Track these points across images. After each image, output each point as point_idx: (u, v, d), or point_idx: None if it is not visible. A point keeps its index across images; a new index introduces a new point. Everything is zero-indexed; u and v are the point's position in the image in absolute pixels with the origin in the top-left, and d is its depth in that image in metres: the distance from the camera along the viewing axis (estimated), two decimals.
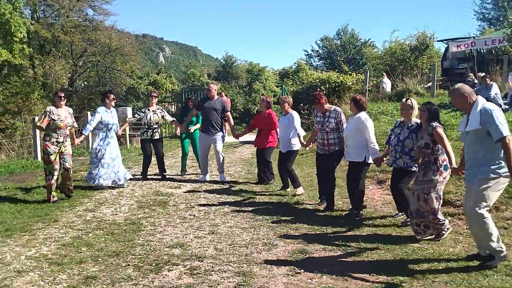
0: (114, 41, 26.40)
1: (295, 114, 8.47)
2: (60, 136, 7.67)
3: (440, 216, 5.60)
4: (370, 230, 6.09)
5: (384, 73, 19.96)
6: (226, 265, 4.89)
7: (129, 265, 4.85)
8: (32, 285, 4.32)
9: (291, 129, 8.31)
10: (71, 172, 7.95)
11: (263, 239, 5.77)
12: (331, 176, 7.33)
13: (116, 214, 6.88)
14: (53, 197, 7.63)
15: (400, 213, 6.60)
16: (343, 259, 5.08)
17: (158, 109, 9.83)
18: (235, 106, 27.81)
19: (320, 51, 45.43)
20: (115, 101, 8.99)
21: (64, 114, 7.72)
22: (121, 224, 6.35)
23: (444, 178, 5.59)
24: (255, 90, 31.54)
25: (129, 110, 15.93)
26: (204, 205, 7.50)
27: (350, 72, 21.26)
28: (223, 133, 9.70)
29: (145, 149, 9.71)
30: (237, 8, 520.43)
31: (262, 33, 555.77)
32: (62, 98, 7.75)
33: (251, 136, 9.96)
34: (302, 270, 4.76)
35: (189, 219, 6.66)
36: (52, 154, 7.57)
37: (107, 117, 8.60)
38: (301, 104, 16.84)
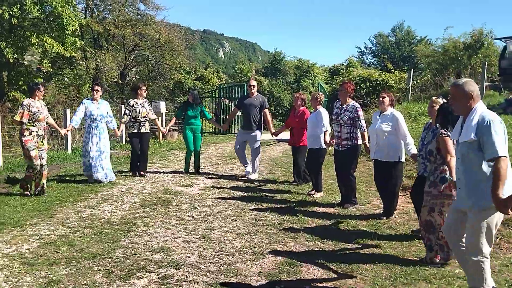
0: (163, 36, 26.56)
1: (323, 111, 8.11)
2: (40, 129, 7.49)
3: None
4: (375, 246, 5.51)
5: None
6: (202, 275, 4.52)
7: (100, 269, 4.57)
8: None
9: (319, 126, 7.97)
10: (46, 169, 7.67)
11: (254, 247, 5.35)
12: (346, 173, 7.18)
13: (114, 212, 6.66)
14: (28, 189, 7.55)
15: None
16: (330, 279, 4.57)
17: (145, 102, 9.57)
18: (281, 103, 27.38)
19: (374, 48, 43.97)
20: (100, 93, 8.84)
21: (41, 106, 7.54)
22: (114, 223, 6.12)
23: (439, 192, 4.88)
24: (304, 87, 30.96)
25: (162, 105, 15.84)
26: (208, 206, 7.16)
27: (393, 70, 20.22)
28: (261, 130, 9.59)
29: (132, 143, 9.38)
30: (294, 5, 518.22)
31: (316, 29, 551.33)
32: (40, 91, 7.54)
33: (287, 134, 9.54)
34: (282, 286, 4.33)
35: (186, 220, 6.34)
36: (33, 149, 7.38)
37: (91, 108, 8.57)
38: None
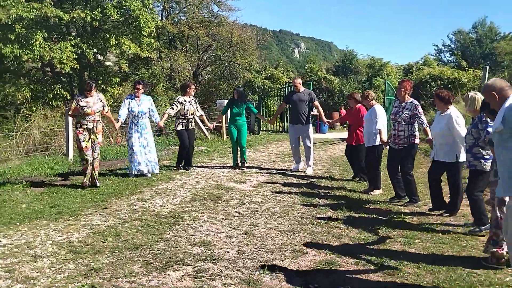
0: (235, 36, 26.87)
1: (377, 108, 7.91)
2: (89, 122, 7.81)
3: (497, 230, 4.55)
4: (423, 249, 5.21)
5: None
6: (237, 270, 4.47)
7: (140, 260, 4.65)
8: (37, 272, 4.32)
9: (374, 124, 7.80)
10: (98, 161, 8.05)
11: (296, 245, 5.22)
12: (404, 173, 7.00)
13: (164, 206, 6.79)
14: (85, 182, 7.85)
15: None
16: (368, 281, 4.35)
17: (193, 100, 9.70)
18: None
19: (452, 45, 41.87)
20: (142, 91, 8.95)
21: (92, 101, 7.83)
22: (162, 216, 6.23)
23: None
24: (375, 86, 30.07)
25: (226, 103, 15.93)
26: (257, 202, 7.11)
27: (467, 68, 19.05)
28: (311, 124, 9.68)
29: (183, 139, 9.50)
30: (373, 3, 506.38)
31: (392, 26, 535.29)
32: (87, 90, 7.81)
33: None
34: (316, 285, 4.18)
35: (232, 216, 6.33)
36: (83, 141, 7.76)
37: (132, 105, 8.78)
38: None
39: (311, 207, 6.89)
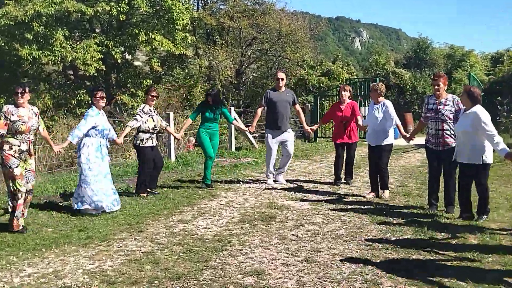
0: (284, 26, 26.94)
1: (388, 103, 8.61)
2: (23, 142, 6.76)
3: None
4: None
5: None
6: None
7: None
8: None
9: (384, 120, 8.46)
10: (31, 195, 7.07)
11: (367, 274, 5.19)
12: (449, 176, 7.45)
13: (209, 228, 6.90)
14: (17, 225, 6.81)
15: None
16: None
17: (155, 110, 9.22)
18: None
19: None
20: (104, 100, 7.98)
21: (27, 115, 6.76)
22: (207, 240, 6.34)
23: None
24: (456, 80, 29.48)
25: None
26: (317, 223, 7.11)
27: None
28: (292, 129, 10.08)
29: (148, 158, 8.89)
30: None
31: (476, 9, 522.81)
32: (19, 95, 6.70)
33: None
34: None
35: (289, 240, 6.36)
36: (17, 167, 6.70)
37: (102, 121, 7.85)
38: (499, 98, 15.01)
39: (384, 228, 6.84)
